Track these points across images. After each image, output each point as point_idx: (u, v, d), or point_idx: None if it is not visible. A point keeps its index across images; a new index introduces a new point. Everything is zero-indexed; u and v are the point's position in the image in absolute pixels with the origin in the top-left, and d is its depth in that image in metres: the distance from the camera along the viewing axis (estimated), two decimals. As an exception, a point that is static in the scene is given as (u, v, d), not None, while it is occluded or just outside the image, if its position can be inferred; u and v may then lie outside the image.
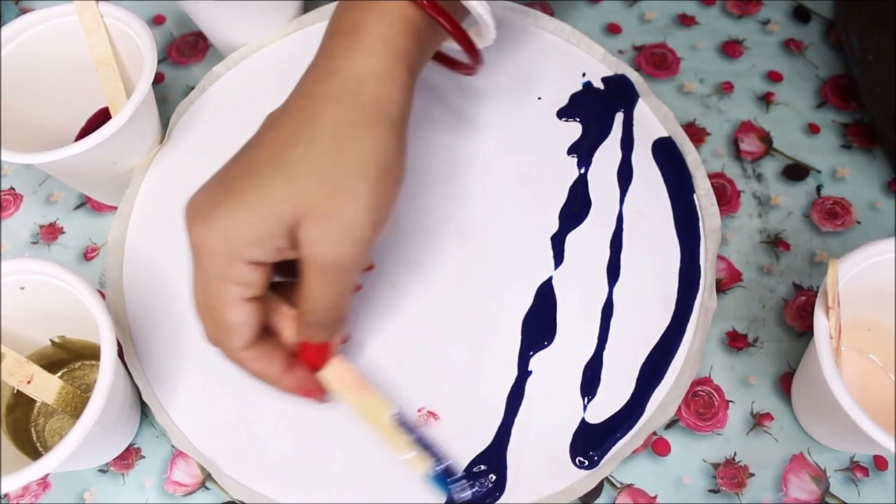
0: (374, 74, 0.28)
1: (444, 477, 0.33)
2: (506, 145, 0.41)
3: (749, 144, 0.43)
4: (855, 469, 0.35)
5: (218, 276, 0.27)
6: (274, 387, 0.31)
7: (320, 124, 0.27)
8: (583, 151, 0.41)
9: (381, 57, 0.28)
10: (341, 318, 0.30)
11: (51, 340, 0.36)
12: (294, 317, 0.31)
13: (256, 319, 0.29)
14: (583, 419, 0.35)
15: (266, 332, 0.30)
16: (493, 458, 0.34)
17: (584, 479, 0.33)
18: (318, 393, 0.32)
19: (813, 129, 0.44)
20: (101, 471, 0.36)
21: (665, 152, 0.41)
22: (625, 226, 0.39)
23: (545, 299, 0.37)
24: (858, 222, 0.41)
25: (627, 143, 0.41)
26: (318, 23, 0.45)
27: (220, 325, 0.28)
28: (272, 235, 0.27)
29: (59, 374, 0.37)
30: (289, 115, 0.28)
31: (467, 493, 0.33)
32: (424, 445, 0.33)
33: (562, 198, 0.40)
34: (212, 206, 0.27)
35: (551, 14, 0.48)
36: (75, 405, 0.34)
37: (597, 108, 0.42)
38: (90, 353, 0.37)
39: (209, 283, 0.28)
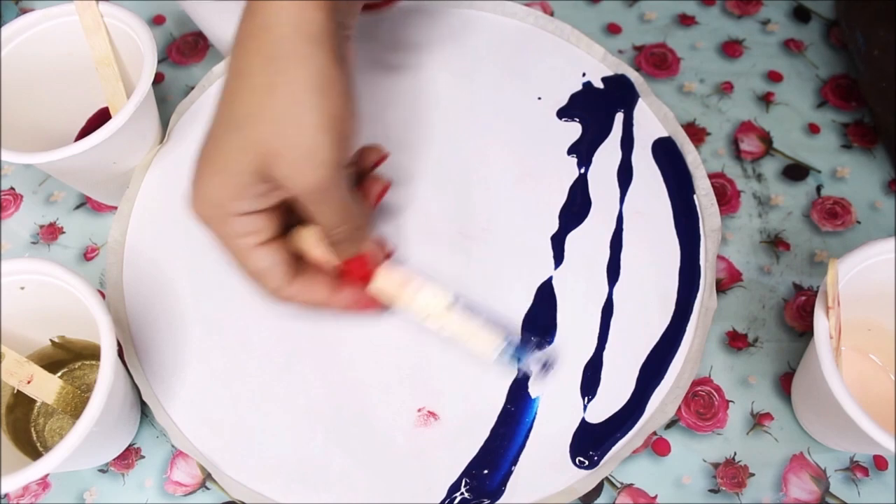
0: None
1: (516, 351, 0.33)
2: (506, 145, 0.41)
3: (749, 144, 0.43)
4: (855, 469, 0.35)
5: (224, 237, 0.30)
6: (329, 310, 0.33)
7: (251, 70, 0.28)
8: (583, 151, 0.41)
9: None
10: (359, 228, 0.31)
11: (51, 340, 0.36)
12: (319, 235, 0.32)
13: (281, 257, 0.31)
14: (583, 419, 0.35)
15: (305, 265, 0.32)
16: (493, 458, 0.34)
17: (584, 479, 0.33)
18: (372, 304, 0.33)
19: (813, 129, 0.44)
20: (101, 471, 0.36)
21: (665, 152, 0.41)
22: (625, 226, 0.39)
23: (545, 299, 0.37)
24: (858, 222, 0.41)
25: (627, 143, 0.41)
26: (318, 23, 0.45)
27: (253, 276, 0.31)
28: (246, 186, 0.28)
29: (59, 374, 0.37)
30: (229, 72, 0.29)
31: (537, 365, 0.34)
32: (493, 322, 0.34)
33: (562, 198, 0.40)
34: (192, 182, 0.29)
35: (551, 14, 0.48)
36: (75, 405, 0.34)
37: (597, 108, 0.42)
38: (90, 353, 0.37)
39: (223, 246, 0.30)
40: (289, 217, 0.31)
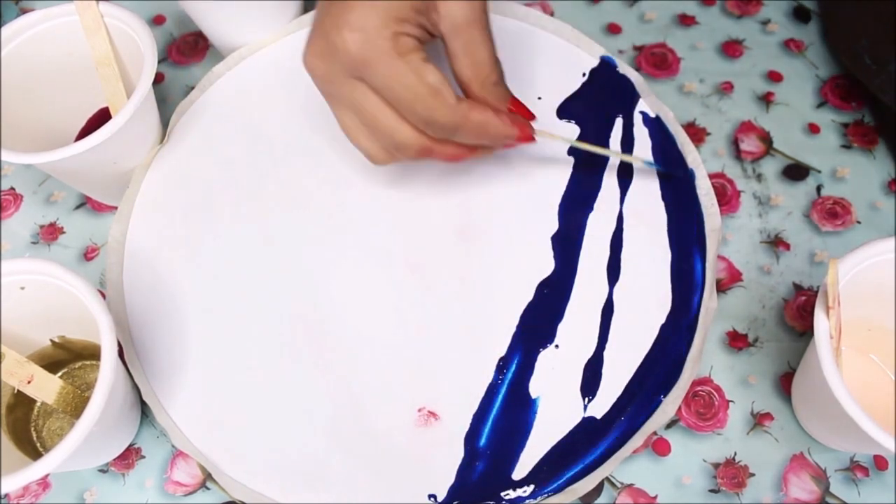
0: None
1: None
2: (506, 145, 0.41)
3: (749, 144, 0.43)
4: (855, 469, 0.35)
5: (391, 55, 0.29)
6: (496, 136, 0.33)
7: None
8: (583, 151, 0.41)
9: None
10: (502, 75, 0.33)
11: (51, 340, 0.36)
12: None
13: (443, 75, 0.31)
14: (583, 419, 0.34)
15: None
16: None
17: (585, 480, 0.33)
18: (531, 138, 0.34)
19: (813, 128, 0.44)
20: (102, 471, 0.36)
21: (665, 152, 0.40)
22: (625, 226, 0.39)
23: (545, 299, 0.37)
24: (858, 222, 0.41)
25: (627, 143, 0.41)
26: (318, 23, 0.45)
27: (431, 92, 0.30)
28: (407, 11, 0.29)
29: (60, 374, 0.37)
30: None
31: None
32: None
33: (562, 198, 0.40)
34: (337, 23, 0.29)
35: (551, 14, 0.48)
36: (75, 405, 0.34)
37: (597, 108, 0.42)
38: (90, 353, 0.37)
39: (388, 69, 0.29)
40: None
